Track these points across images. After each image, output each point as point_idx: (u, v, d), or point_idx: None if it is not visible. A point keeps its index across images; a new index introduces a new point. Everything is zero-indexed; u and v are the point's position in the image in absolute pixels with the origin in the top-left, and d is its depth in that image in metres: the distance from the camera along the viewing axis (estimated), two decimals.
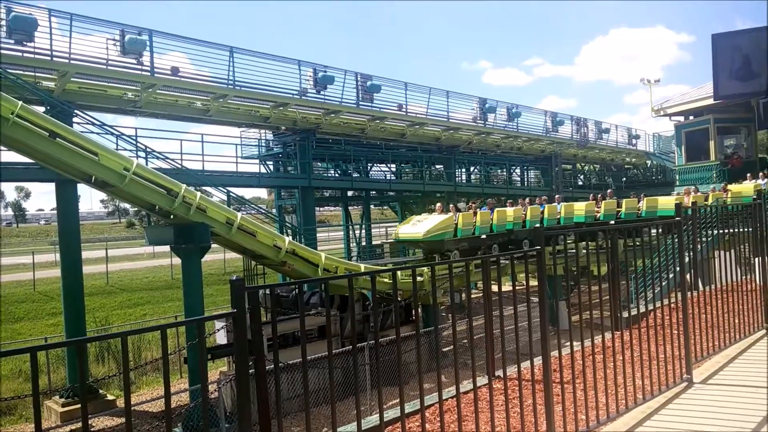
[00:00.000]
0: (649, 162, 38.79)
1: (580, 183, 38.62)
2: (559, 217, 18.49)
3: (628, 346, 4.98)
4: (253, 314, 2.93)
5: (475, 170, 32.38)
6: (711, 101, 21.78)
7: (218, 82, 18.10)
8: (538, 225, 17.81)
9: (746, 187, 18.63)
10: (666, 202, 18.87)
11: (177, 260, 17.32)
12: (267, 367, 3.02)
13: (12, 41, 14.18)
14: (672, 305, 5.66)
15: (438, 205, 18.42)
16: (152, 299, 26.50)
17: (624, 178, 38.73)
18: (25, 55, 14.35)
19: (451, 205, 18.44)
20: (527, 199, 20.15)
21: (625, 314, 5.68)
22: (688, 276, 5.86)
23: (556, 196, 22.90)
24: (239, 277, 2.80)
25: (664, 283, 8.48)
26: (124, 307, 25.32)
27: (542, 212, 18.47)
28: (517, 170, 35.26)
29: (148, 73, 16.34)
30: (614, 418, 4.39)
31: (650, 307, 5.93)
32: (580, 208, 18.99)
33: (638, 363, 4.85)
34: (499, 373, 4.87)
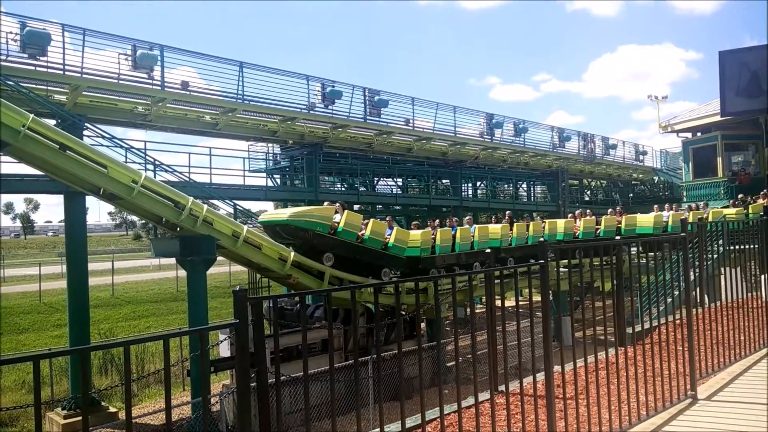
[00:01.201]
0: (656, 178, 38.74)
1: (587, 198, 38.59)
2: (472, 240, 16.76)
3: (633, 362, 4.95)
4: (256, 326, 2.95)
5: (482, 185, 32.42)
6: (718, 118, 21.76)
7: (227, 97, 18.28)
8: (450, 252, 16.20)
9: (647, 218, 18.49)
10: (536, 226, 17.97)
11: (182, 272, 17.39)
12: (269, 381, 3.03)
13: (26, 55, 14.41)
14: (677, 321, 5.64)
15: (326, 203, 16.24)
16: (157, 311, 26.55)
17: (631, 194, 38.67)
18: (37, 69, 14.56)
19: (338, 203, 15.72)
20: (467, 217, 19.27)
21: (630, 330, 5.65)
22: (694, 292, 5.84)
23: (466, 218, 20.38)
24: (242, 287, 2.82)
25: (669, 300, 8.43)
26: (129, 319, 25.36)
27: (454, 235, 16.53)
28: (524, 185, 35.28)
29: (159, 88, 16.53)
30: None
31: (655, 323, 5.91)
32: (494, 230, 17.45)
33: (642, 379, 4.82)
34: (502, 388, 4.85)
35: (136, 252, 59.21)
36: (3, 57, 13.97)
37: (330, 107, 20.74)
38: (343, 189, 27.57)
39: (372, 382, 12.95)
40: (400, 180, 29.77)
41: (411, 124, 23.50)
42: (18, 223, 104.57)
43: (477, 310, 18.87)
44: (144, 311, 26.46)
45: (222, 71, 18.13)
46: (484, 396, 4.99)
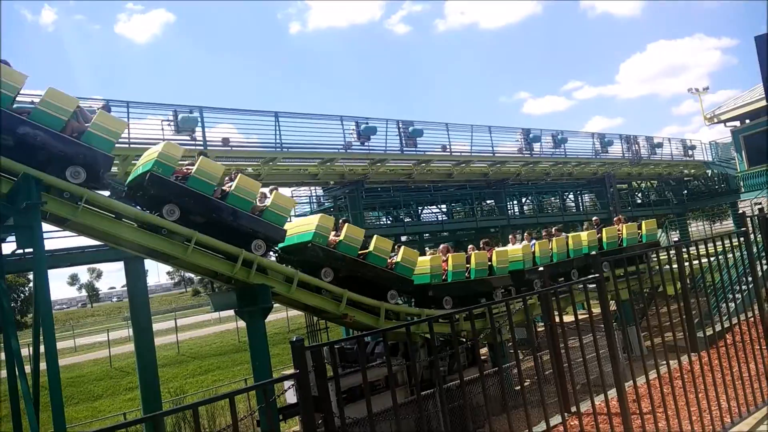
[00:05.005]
0: (709, 171, 37.36)
1: (639, 201, 37.51)
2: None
3: (709, 368, 4.73)
4: (318, 372, 2.98)
5: (527, 200, 31.96)
6: (765, 102, 20.99)
7: (266, 147, 18.81)
8: None
9: (515, 249, 16.88)
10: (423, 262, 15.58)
11: (242, 323, 17.68)
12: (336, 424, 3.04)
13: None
14: (751, 320, 5.38)
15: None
16: (222, 364, 26.99)
17: (685, 191, 37.37)
18: None
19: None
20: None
21: (701, 334, 5.42)
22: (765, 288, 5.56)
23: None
24: (299, 337, 2.87)
25: (738, 298, 8.06)
26: (196, 375, 25.86)
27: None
28: (571, 195, 34.60)
29: (202, 147, 17.15)
30: None
31: (727, 324, 5.64)
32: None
33: (721, 385, 4.60)
34: (574, 409, 4.70)
35: (196, 308, 60.64)
36: None
37: (366, 144, 21.05)
38: (388, 222, 27.70)
39: (440, 414, 12.73)
40: (444, 206, 29.71)
41: (448, 150, 23.56)
42: (84, 293, 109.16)
43: (538, 329, 18.37)
44: (209, 365, 26.95)
45: (259, 123, 18.74)
46: (555, 419, 4.86)
